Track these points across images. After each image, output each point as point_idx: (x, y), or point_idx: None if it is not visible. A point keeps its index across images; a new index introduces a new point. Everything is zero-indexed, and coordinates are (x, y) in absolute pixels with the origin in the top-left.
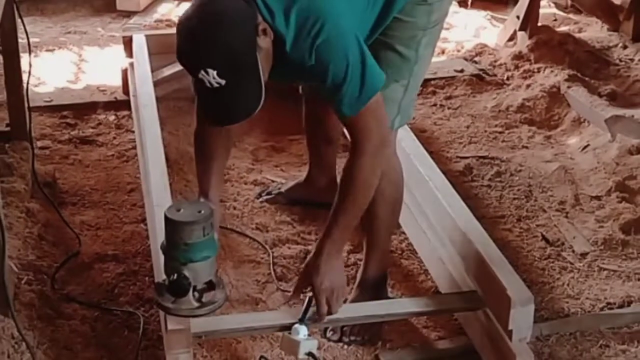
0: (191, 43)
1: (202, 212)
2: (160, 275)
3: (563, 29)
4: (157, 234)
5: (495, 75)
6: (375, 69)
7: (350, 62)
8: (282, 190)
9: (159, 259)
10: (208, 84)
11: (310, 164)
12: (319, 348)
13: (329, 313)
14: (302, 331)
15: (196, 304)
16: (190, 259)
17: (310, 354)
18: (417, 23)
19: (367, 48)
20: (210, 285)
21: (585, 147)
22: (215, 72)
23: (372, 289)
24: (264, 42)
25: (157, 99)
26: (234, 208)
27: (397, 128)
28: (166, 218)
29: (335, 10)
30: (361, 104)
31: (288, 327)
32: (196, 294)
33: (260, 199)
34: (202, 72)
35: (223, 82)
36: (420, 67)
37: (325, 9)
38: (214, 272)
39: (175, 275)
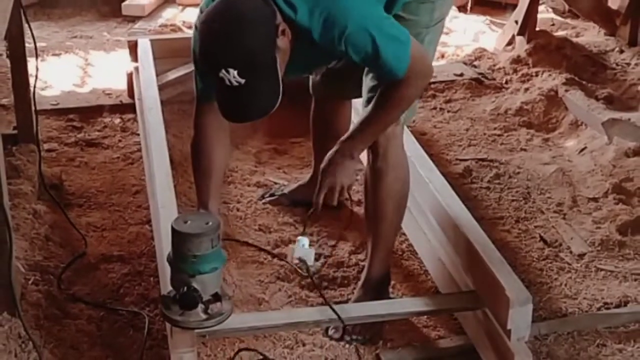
0: (213, 43)
1: (210, 223)
2: (166, 288)
3: (561, 33)
4: (162, 235)
5: (494, 79)
6: (399, 29)
7: (376, 38)
8: (285, 191)
9: (164, 268)
10: (228, 83)
11: (315, 165)
12: (321, 347)
13: (325, 202)
14: (303, 242)
15: (204, 316)
16: (199, 270)
17: (300, 259)
18: (421, 21)
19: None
20: (216, 297)
21: (583, 149)
22: (235, 72)
23: (375, 289)
24: (282, 42)
25: (162, 103)
26: (237, 210)
27: (403, 123)
28: (174, 230)
29: (355, 8)
30: (405, 62)
31: (290, 326)
32: (203, 305)
33: (263, 201)
34: (223, 71)
35: (243, 81)
36: None
37: (347, 8)
38: (220, 283)
39: (185, 287)
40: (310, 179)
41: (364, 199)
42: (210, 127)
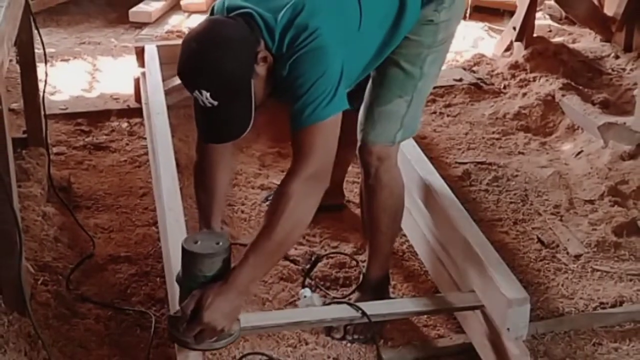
0: (190, 63)
1: (221, 243)
2: (174, 307)
3: (558, 39)
4: (168, 237)
5: (493, 84)
6: (343, 97)
7: (322, 79)
8: None
9: (170, 268)
10: (201, 103)
11: None
12: (323, 346)
13: (184, 333)
14: (305, 294)
15: (215, 337)
16: None
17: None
18: (423, 42)
19: (344, 82)
20: None
21: (579, 153)
22: (208, 94)
23: (375, 290)
24: (261, 69)
25: (168, 107)
26: (242, 212)
27: (399, 142)
28: (184, 250)
29: (326, 30)
30: (313, 120)
31: (293, 326)
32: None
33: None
34: (197, 91)
35: (215, 103)
36: (425, 84)
37: (318, 27)
38: None
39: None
40: None
41: (360, 210)
42: (214, 149)
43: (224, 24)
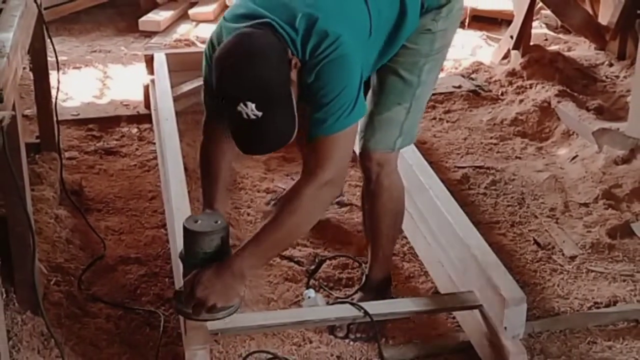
0: (232, 78)
1: (219, 222)
2: (179, 283)
3: (553, 48)
4: (177, 239)
5: (491, 91)
6: (363, 104)
7: (346, 89)
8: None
9: (178, 268)
10: (245, 116)
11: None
12: (327, 344)
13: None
14: (310, 294)
15: (212, 310)
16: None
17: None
18: (421, 50)
19: (362, 84)
20: None
21: (574, 157)
22: (253, 105)
23: (377, 290)
24: (294, 75)
25: (177, 113)
26: (248, 214)
27: (399, 149)
28: (185, 229)
29: (347, 38)
30: (335, 129)
31: (298, 324)
32: None
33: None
34: (242, 104)
35: (260, 114)
36: (423, 91)
37: (340, 34)
38: None
39: None
40: None
41: (361, 213)
42: (218, 137)
43: (254, 35)
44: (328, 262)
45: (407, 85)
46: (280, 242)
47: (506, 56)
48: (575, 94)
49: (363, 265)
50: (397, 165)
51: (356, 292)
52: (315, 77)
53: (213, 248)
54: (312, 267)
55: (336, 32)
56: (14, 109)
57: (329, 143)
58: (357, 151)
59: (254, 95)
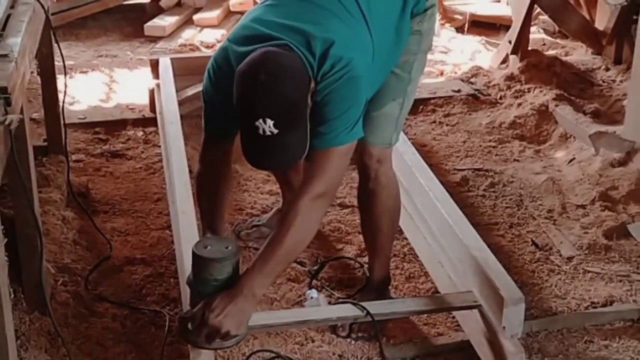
0: (255, 93)
1: (230, 248)
2: (186, 306)
3: (551, 52)
4: (182, 240)
5: (489, 95)
6: (360, 125)
7: (351, 109)
8: (263, 221)
9: (183, 269)
10: (261, 132)
11: (282, 191)
12: (329, 343)
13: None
14: (312, 295)
15: (223, 337)
16: None
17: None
18: (411, 50)
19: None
20: None
21: (571, 160)
22: (272, 122)
23: (377, 290)
24: (309, 99)
25: (181, 117)
26: (252, 215)
27: (394, 145)
28: (195, 255)
29: (358, 63)
30: (335, 143)
31: (300, 324)
32: None
33: (242, 235)
34: (260, 120)
35: (276, 131)
36: (412, 88)
37: (352, 59)
38: None
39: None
40: (283, 203)
41: (359, 214)
42: (216, 162)
43: (283, 55)
44: (330, 263)
45: (400, 82)
46: (285, 257)
47: (505, 61)
48: (573, 97)
49: (364, 266)
50: (394, 163)
51: (357, 292)
52: (324, 96)
53: (224, 275)
54: (315, 267)
55: (349, 56)
56: (22, 112)
57: (325, 156)
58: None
59: (276, 114)
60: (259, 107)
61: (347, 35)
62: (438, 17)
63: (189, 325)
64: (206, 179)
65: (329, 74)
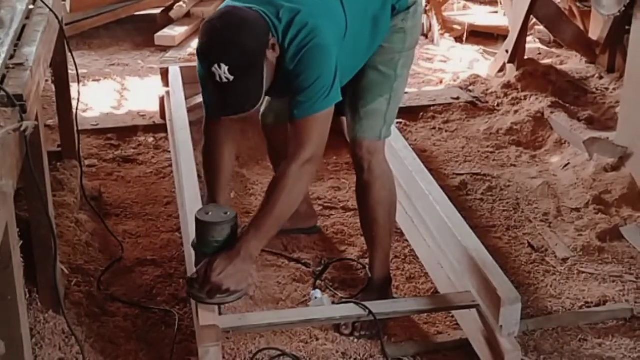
0: (212, 40)
1: (228, 213)
2: (191, 271)
3: (547, 61)
4: (191, 242)
5: (487, 102)
6: (337, 90)
7: (323, 75)
8: None
9: (190, 259)
10: (218, 78)
11: (274, 166)
12: (332, 342)
13: (201, 286)
14: (316, 295)
15: (225, 294)
16: None
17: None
18: (395, 48)
19: (337, 73)
20: None
21: (566, 165)
22: (227, 68)
23: (378, 290)
24: (271, 55)
25: (190, 123)
26: None
27: (384, 138)
28: (197, 220)
29: (324, 30)
30: (313, 111)
31: (304, 323)
32: None
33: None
34: (216, 66)
35: (231, 78)
36: (399, 85)
37: (318, 26)
38: None
39: None
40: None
41: (358, 211)
42: (218, 136)
43: (241, 9)
44: (333, 264)
45: (386, 79)
46: (277, 220)
47: (502, 69)
48: (567, 105)
49: (367, 268)
50: (386, 156)
51: (359, 292)
52: (295, 64)
53: (224, 236)
54: (319, 268)
55: (315, 24)
56: (37, 119)
57: (307, 124)
58: (349, 143)
59: (229, 59)
60: (214, 52)
61: (316, 5)
62: (438, 27)
63: (195, 284)
64: (209, 153)
65: (295, 40)
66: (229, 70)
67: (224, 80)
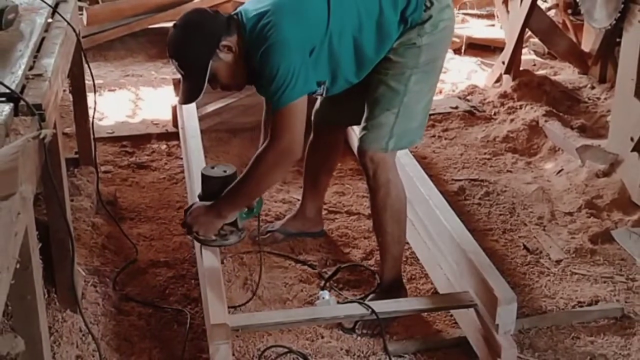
0: (170, 37)
1: (228, 171)
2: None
3: (541, 72)
4: (202, 246)
5: (485, 111)
6: (306, 82)
7: (282, 68)
8: (276, 227)
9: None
10: (176, 70)
11: (304, 195)
12: (337, 339)
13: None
14: (324, 295)
15: (197, 234)
16: None
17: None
18: (407, 63)
19: (307, 71)
20: (234, 225)
21: (560, 171)
22: (177, 64)
23: (386, 293)
24: (226, 56)
25: (202, 131)
26: (266, 222)
27: (392, 150)
28: (204, 175)
29: (285, 25)
30: (282, 103)
31: (310, 321)
32: (222, 231)
33: (257, 240)
34: (172, 60)
35: (183, 72)
36: (411, 99)
37: (278, 22)
38: (237, 218)
39: None
40: (298, 212)
41: (370, 220)
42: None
43: (199, 13)
44: (338, 265)
45: (395, 94)
46: (249, 194)
47: (498, 80)
48: (561, 114)
49: (376, 274)
50: (396, 167)
51: (368, 294)
52: (258, 62)
53: (209, 188)
54: (325, 270)
55: (275, 20)
56: (55, 127)
57: (280, 116)
58: (355, 151)
59: (177, 56)
60: (169, 48)
61: (288, 7)
62: None
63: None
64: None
65: (257, 38)
66: (178, 65)
67: (180, 73)
